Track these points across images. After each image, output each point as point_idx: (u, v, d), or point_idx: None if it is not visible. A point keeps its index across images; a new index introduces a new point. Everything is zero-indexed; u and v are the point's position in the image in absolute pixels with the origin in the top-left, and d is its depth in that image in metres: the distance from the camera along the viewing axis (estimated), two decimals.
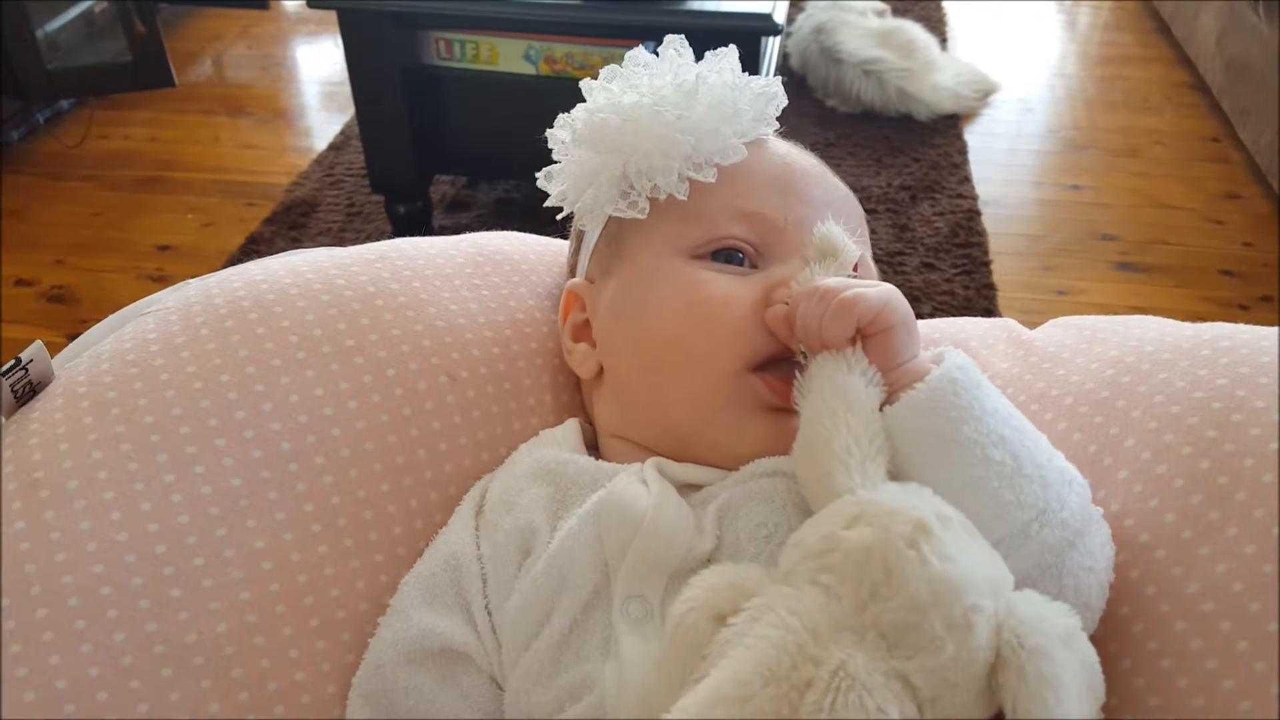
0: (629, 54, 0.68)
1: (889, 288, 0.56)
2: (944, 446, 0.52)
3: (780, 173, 0.68)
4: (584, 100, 0.68)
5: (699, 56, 0.68)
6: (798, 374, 0.56)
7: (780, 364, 0.61)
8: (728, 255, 0.64)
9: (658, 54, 0.68)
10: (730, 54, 0.68)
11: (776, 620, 0.45)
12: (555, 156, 0.69)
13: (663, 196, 0.65)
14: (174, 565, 0.59)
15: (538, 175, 0.70)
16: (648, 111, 0.64)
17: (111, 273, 1.98)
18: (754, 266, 0.64)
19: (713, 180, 0.65)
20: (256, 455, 0.63)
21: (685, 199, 0.64)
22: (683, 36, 0.68)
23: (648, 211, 0.65)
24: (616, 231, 0.69)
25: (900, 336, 0.55)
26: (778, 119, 0.70)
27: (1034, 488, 0.53)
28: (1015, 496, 0.52)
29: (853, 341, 0.54)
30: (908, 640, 0.44)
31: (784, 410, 0.59)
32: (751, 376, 0.61)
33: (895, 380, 0.54)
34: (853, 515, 0.47)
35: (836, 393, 0.52)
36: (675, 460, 0.62)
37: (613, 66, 0.68)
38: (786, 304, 0.59)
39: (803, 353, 0.57)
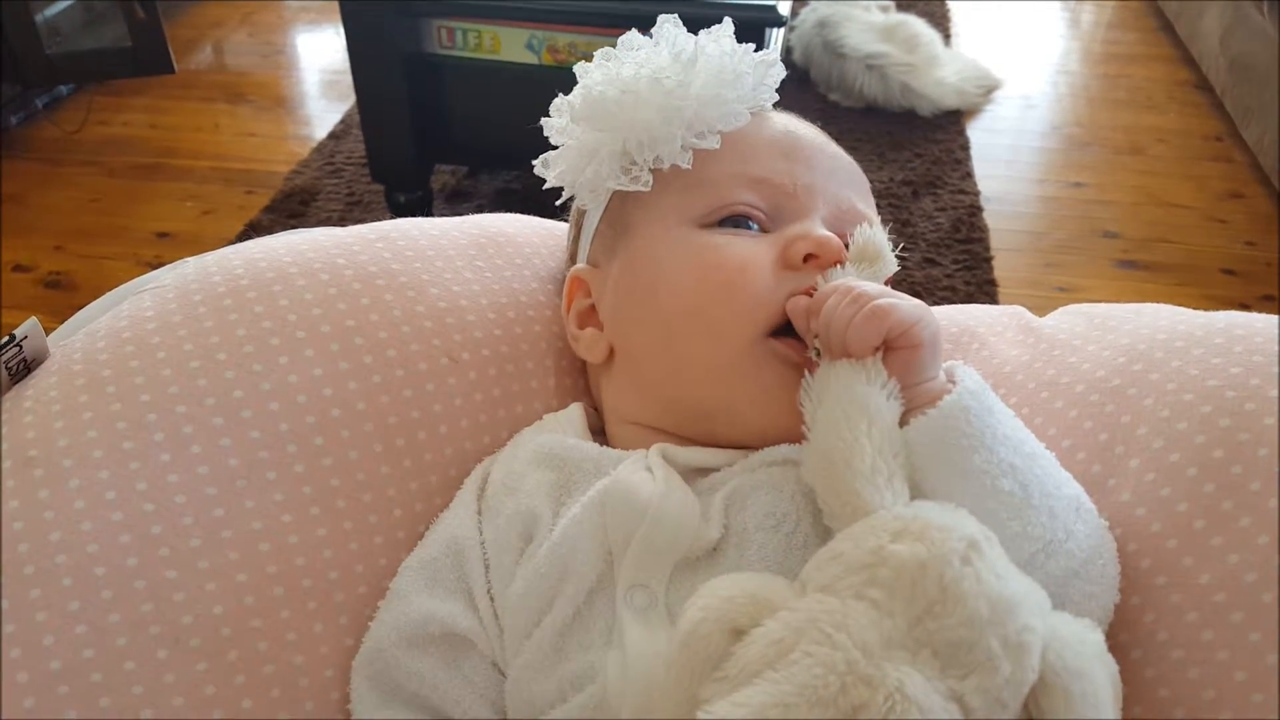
0: (621, 39, 0.67)
1: (921, 303, 0.55)
2: (953, 475, 0.52)
3: (785, 140, 0.67)
4: None
5: None
6: (808, 374, 0.55)
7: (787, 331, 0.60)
8: (736, 222, 0.63)
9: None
10: (726, 26, 0.67)
11: (821, 636, 0.43)
12: (553, 142, 0.68)
13: (666, 166, 0.64)
14: (170, 545, 0.58)
15: (535, 162, 0.69)
16: (646, 82, 0.63)
17: (110, 259, 1.97)
18: (765, 232, 0.63)
19: (716, 147, 0.64)
20: (254, 435, 0.62)
21: (689, 168, 0.64)
22: (676, 16, 0.67)
23: (651, 184, 0.64)
24: (619, 210, 0.68)
25: (925, 355, 0.54)
26: (780, 110, 0.69)
27: (1042, 519, 0.53)
28: (1023, 528, 0.52)
29: (875, 351, 0.53)
30: (962, 660, 0.43)
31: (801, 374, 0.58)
32: (771, 341, 0.60)
33: (910, 398, 0.53)
34: (897, 530, 0.46)
35: (857, 403, 0.51)
36: (690, 440, 0.61)
37: (606, 49, 0.67)
38: (810, 294, 0.58)
39: (816, 350, 0.56)
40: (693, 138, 0.64)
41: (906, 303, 0.54)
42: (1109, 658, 0.47)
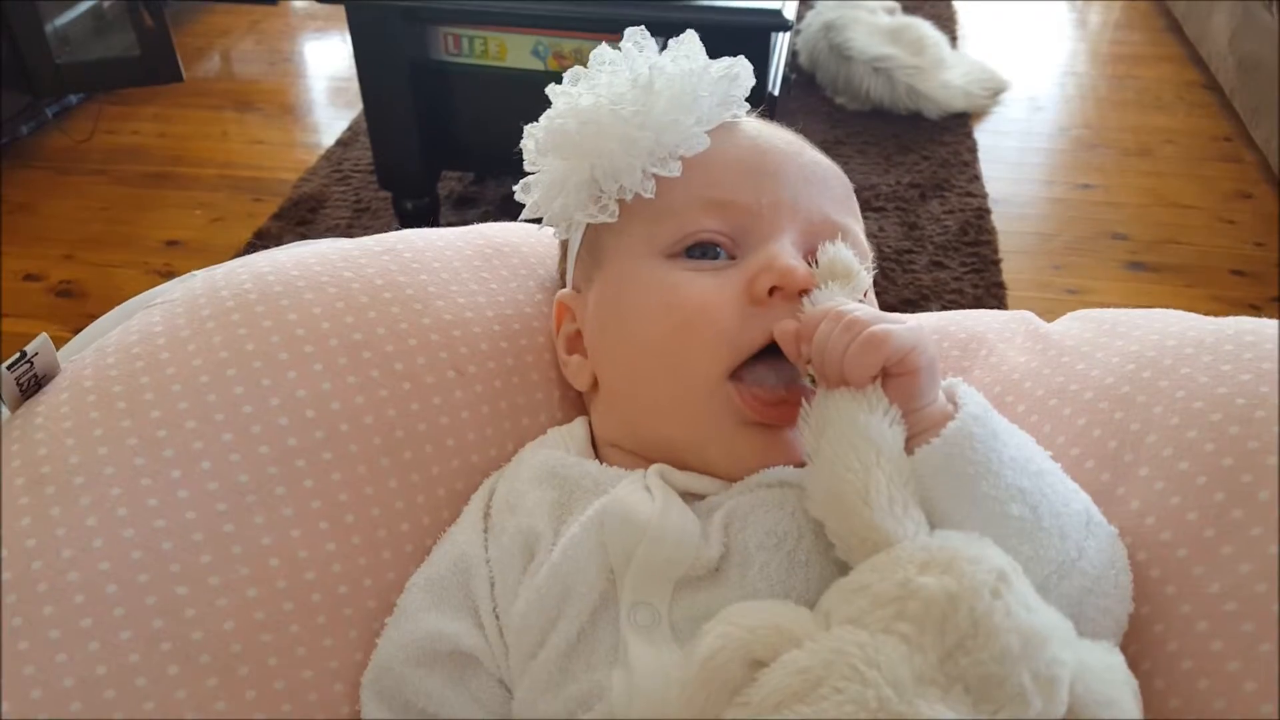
0: (593, 53, 0.67)
1: (917, 326, 0.54)
2: (962, 503, 0.51)
3: (750, 156, 0.65)
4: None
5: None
6: (805, 402, 0.54)
7: (757, 367, 0.59)
8: (703, 250, 0.62)
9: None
10: (690, 39, 0.66)
11: (852, 672, 0.42)
12: (527, 168, 0.68)
13: (630, 197, 0.63)
14: (180, 561, 0.58)
15: (515, 188, 0.68)
16: (606, 112, 0.62)
17: (119, 268, 1.98)
18: (732, 257, 0.62)
19: (677, 174, 0.63)
20: (263, 450, 0.62)
21: (653, 197, 0.63)
22: (644, 28, 0.67)
23: (617, 214, 0.64)
24: (594, 238, 0.67)
25: (924, 380, 0.53)
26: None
27: (1053, 541, 0.52)
28: (1035, 552, 0.51)
29: (874, 379, 0.52)
30: (994, 694, 0.42)
31: (768, 425, 0.58)
32: (727, 386, 0.58)
33: (911, 424, 0.52)
34: (923, 562, 0.45)
35: (862, 434, 0.50)
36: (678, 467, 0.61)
37: (576, 69, 0.67)
38: (798, 318, 0.57)
39: (810, 377, 0.55)
40: (653, 165, 0.63)
41: (900, 327, 0.52)
42: (1131, 677, 0.47)
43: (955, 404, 0.53)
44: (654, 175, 0.63)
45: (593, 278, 0.67)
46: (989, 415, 0.53)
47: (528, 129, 0.67)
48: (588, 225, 0.67)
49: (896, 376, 0.52)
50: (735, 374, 0.59)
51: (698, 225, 0.62)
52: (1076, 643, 0.46)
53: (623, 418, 0.65)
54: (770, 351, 0.58)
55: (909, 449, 0.51)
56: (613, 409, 0.66)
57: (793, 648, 0.44)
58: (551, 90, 0.67)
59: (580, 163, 0.64)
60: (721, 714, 0.44)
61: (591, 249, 0.67)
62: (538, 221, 0.69)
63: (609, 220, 0.64)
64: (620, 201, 0.64)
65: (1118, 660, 0.47)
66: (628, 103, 0.62)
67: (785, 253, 0.60)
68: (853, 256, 0.58)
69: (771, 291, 0.58)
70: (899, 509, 0.48)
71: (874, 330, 0.51)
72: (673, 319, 0.60)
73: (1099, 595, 0.54)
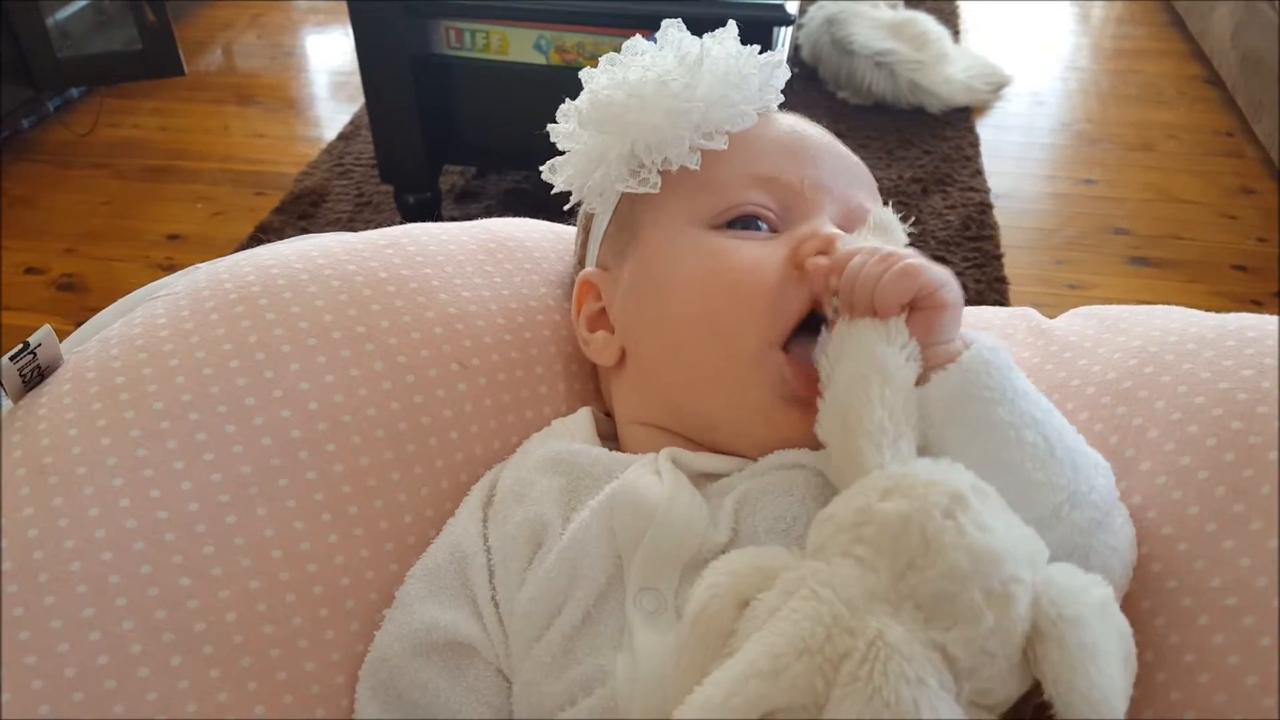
0: (626, 43, 0.68)
1: (946, 269, 0.55)
2: (977, 428, 0.52)
3: (791, 139, 0.67)
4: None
5: None
6: (825, 330, 0.55)
7: (800, 340, 0.60)
8: (746, 223, 0.63)
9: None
10: (730, 30, 0.67)
11: (809, 593, 0.44)
12: (560, 148, 0.68)
13: (674, 168, 0.64)
14: (183, 553, 0.58)
15: (542, 168, 0.69)
16: (653, 86, 0.63)
17: (121, 261, 1.98)
18: (775, 232, 0.63)
19: (724, 148, 0.64)
20: (266, 442, 0.62)
21: (698, 169, 0.64)
22: (680, 20, 0.67)
23: (659, 186, 0.64)
24: (627, 213, 0.68)
25: (949, 316, 0.54)
26: (789, 109, 0.69)
27: (1065, 470, 0.53)
28: (1047, 479, 0.52)
29: (901, 310, 0.53)
30: (945, 611, 0.44)
31: (811, 402, 0.58)
32: (778, 355, 0.59)
33: (928, 358, 0.53)
34: (886, 488, 0.47)
35: (874, 363, 0.51)
36: (698, 446, 0.61)
37: (611, 54, 0.67)
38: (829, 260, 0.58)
39: (834, 308, 0.56)
40: (700, 139, 0.64)
41: (935, 265, 0.54)
42: (1117, 612, 0.47)
43: (967, 342, 0.54)
44: (699, 149, 0.64)
45: (625, 252, 0.67)
46: (1004, 349, 0.55)
47: (565, 106, 0.68)
48: (619, 203, 0.68)
49: (924, 310, 0.53)
50: (783, 347, 0.60)
51: (744, 198, 0.64)
52: (1046, 564, 0.47)
53: (657, 392, 0.65)
54: (807, 327, 0.60)
55: (926, 379, 0.52)
56: (644, 383, 0.66)
57: (774, 581, 0.46)
58: (587, 73, 0.67)
59: (621, 137, 0.64)
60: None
61: (623, 225, 0.68)
62: (567, 195, 0.69)
63: (651, 191, 0.65)
64: (660, 173, 0.65)
65: (1099, 590, 0.46)
66: (675, 77, 0.63)
67: (829, 225, 0.62)
68: (899, 223, 0.60)
69: None
70: (886, 439, 0.49)
71: (911, 261, 0.53)
72: (722, 281, 0.61)
73: (1107, 532, 0.55)
